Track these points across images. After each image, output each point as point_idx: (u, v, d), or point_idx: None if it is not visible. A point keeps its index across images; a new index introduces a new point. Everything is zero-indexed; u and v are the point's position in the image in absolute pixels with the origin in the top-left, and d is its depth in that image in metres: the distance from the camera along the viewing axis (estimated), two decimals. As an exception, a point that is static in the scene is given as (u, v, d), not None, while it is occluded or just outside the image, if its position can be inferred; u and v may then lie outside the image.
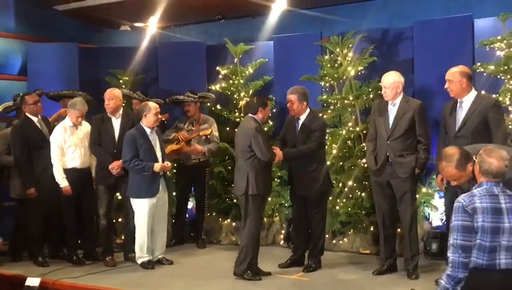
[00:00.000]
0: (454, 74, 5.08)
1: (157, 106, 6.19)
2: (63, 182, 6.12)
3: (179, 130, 7.06)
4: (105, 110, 6.33)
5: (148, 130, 6.04)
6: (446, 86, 5.14)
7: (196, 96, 7.07)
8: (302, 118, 5.82)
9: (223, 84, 7.55)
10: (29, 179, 6.18)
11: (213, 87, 7.54)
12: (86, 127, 6.36)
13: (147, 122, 6.03)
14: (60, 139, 6.15)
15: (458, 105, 5.09)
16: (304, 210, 5.87)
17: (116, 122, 6.30)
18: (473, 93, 5.05)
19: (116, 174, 6.19)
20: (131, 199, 6.06)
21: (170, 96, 7.33)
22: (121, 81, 7.77)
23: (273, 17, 7.71)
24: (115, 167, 6.16)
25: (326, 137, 6.72)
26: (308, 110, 5.83)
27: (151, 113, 6.01)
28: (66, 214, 6.25)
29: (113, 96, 6.33)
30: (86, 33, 8.92)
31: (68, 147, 6.18)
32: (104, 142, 6.25)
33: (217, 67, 7.69)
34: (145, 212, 5.97)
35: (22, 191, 6.23)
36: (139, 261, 6.07)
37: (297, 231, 6.02)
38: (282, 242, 6.92)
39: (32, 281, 5.41)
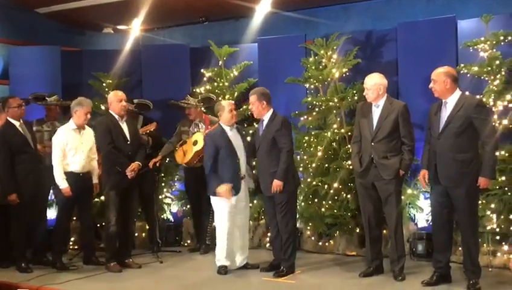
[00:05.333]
0: (439, 74, 5.08)
1: (231, 102, 6.06)
2: (63, 183, 6.03)
3: (184, 133, 6.95)
4: (112, 112, 6.17)
5: (227, 128, 5.91)
6: (431, 85, 5.15)
7: (196, 101, 6.90)
8: (266, 119, 5.80)
9: (208, 87, 7.51)
10: (10, 185, 6.09)
11: (197, 90, 7.50)
12: (89, 131, 6.29)
13: (224, 121, 5.90)
14: (63, 141, 6.08)
15: (442, 106, 5.10)
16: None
17: (124, 125, 6.19)
18: (457, 94, 5.05)
19: (131, 177, 6.08)
20: (212, 198, 5.92)
21: (151, 98, 7.29)
22: (104, 84, 7.71)
23: (257, 19, 7.71)
24: (135, 168, 6.08)
25: (312, 139, 6.74)
26: (271, 111, 5.81)
27: (225, 111, 5.88)
28: (60, 217, 6.21)
29: (125, 97, 6.26)
30: (68, 36, 8.85)
31: (69, 150, 6.10)
32: (117, 144, 6.09)
33: (202, 70, 7.66)
34: (224, 213, 5.83)
35: None
36: (217, 263, 5.93)
37: (273, 234, 5.96)
38: (268, 245, 6.90)
39: None
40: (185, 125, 7.03)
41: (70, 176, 6.09)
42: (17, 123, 6.23)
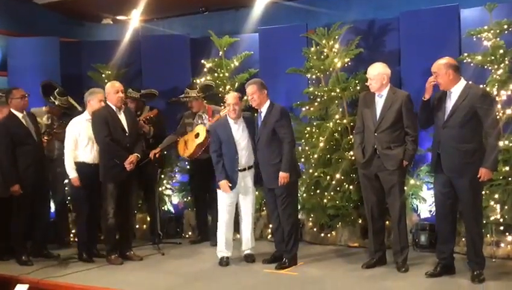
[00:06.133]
0: (440, 67, 5.02)
1: (235, 94, 5.94)
2: (72, 173, 6.10)
3: (188, 126, 6.90)
4: (110, 103, 6.09)
5: (231, 122, 5.84)
6: (432, 78, 5.07)
7: (195, 92, 6.83)
8: (264, 110, 5.73)
9: (208, 78, 7.45)
10: (12, 176, 6.04)
11: (198, 81, 7.44)
12: None
13: (228, 114, 5.86)
14: (75, 131, 6.12)
15: (447, 95, 5.04)
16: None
17: (122, 116, 6.13)
18: (462, 84, 5.00)
19: (130, 169, 6.04)
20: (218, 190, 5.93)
21: (149, 89, 7.24)
22: (103, 75, 7.66)
23: (257, 8, 7.65)
24: (133, 161, 6.03)
25: (313, 130, 6.70)
26: (268, 102, 5.74)
27: (228, 103, 5.84)
28: (77, 208, 6.33)
29: (122, 88, 6.20)
30: (67, 27, 8.79)
31: (82, 140, 6.12)
32: (115, 136, 6.02)
33: (202, 61, 7.60)
34: (222, 205, 5.87)
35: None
36: (218, 255, 5.97)
37: (275, 226, 5.93)
38: (269, 237, 6.87)
39: (21, 287, 5.30)
40: (189, 117, 6.96)
41: (81, 166, 6.13)
42: (20, 115, 6.19)
